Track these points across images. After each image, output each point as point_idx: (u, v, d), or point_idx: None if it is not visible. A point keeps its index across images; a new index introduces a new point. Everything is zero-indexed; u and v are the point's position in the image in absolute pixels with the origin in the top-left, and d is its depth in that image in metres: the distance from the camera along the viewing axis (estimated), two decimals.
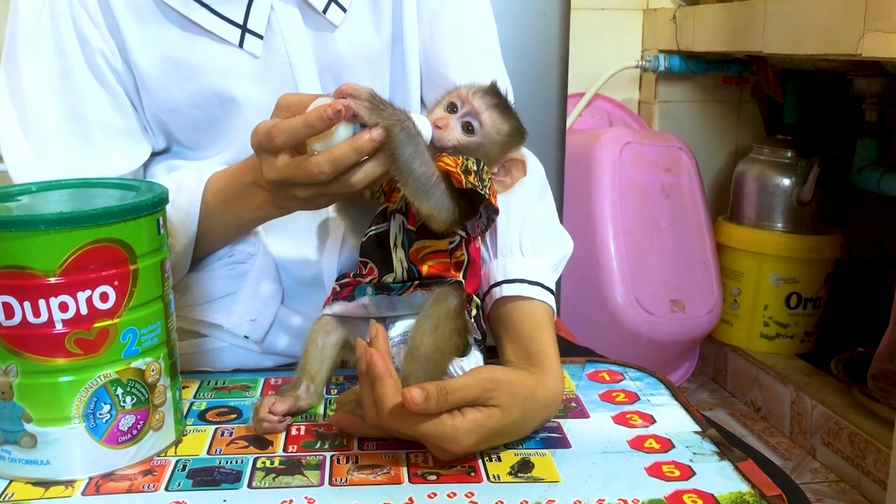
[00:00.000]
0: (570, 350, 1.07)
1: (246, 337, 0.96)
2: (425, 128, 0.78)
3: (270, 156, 0.79)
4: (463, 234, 0.82)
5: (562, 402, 0.83)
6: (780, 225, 2.42)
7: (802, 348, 2.45)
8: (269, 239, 0.97)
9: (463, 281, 0.80)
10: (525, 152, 0.86)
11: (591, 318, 2.27)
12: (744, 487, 0.71)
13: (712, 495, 0.70)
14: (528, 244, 0.88)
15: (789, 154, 2.40)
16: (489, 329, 0.87)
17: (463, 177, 0.76)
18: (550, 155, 1.48)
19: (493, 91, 0.83)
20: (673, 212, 2.37)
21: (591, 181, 2.30)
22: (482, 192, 0.78)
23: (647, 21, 2.67)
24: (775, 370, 2.32)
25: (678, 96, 2.66)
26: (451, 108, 0.82)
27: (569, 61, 1.50)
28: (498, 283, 0.86)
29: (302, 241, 0.98)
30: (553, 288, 0.87)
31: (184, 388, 0.87)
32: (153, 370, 0.75)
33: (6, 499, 0.69)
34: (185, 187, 0.91)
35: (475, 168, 0.79)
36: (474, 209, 0.82)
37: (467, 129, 0.81)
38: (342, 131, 0.75)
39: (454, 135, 0.80)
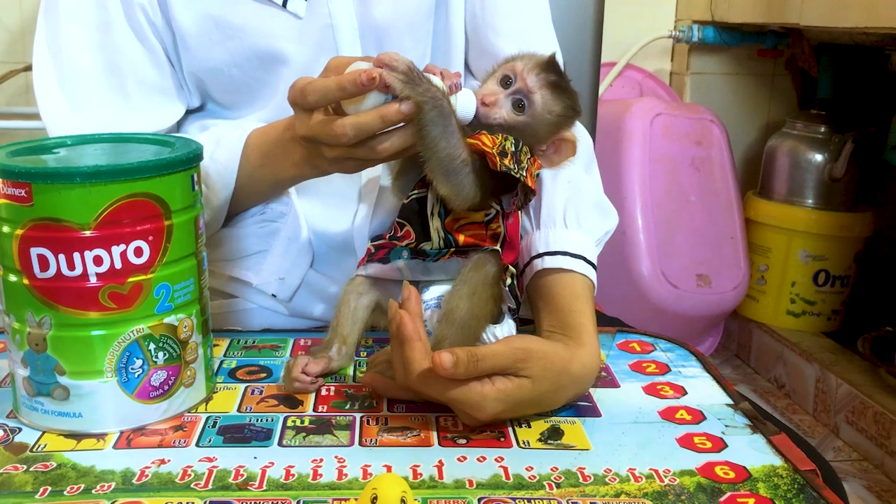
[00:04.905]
0: (599, 320, 1.05)
1: (273, 296, 0.96)
2: (470, 103, 0.77)
3: (304, 112, 0.78)
4: (498, 208, 0.81)
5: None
6: (810, 201, 2.39)
7: (829, 326, 2.43)
8: (301, 202, 0.97)
9: (500, 250, 0.79)
10: (576, 126, 0.84)
11: (616, 291, 2.25)
12: (777, 461, 0.71)
13: (745, 468, 0.69)
14: (572, 216, 0.86)
15: (823, 129, 2.37)
16: (527, 300, 0.86)
17: (498, 159, 0.75)
18: (581, 125, 1.46)
19: (549, 66, 0.80)
20: (702, 185, 2.35)
21: (621, 152, 2.28)
22: (516, 175, 0.77)
23: None
24: (801, 347, 2.30)
25: (710, 68, 2.62)
26: (505, 82, 0.80)
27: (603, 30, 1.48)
28: (539, 255, 0.84)
29: (334, 205, 0.98)
30: (595, 262, 0.86)
31: (214, 346, 0.87)
32: (185, 326, 0.75)
33: (39, 449, 0.70)
34: (226, 141, 0.91)
35: (513, 149, 0.77)
36: (512, 186, 0.80)
37: (518, 106, 0.79)
38: (374, 98, 0.75)
39: (502, 113, 0.78)
